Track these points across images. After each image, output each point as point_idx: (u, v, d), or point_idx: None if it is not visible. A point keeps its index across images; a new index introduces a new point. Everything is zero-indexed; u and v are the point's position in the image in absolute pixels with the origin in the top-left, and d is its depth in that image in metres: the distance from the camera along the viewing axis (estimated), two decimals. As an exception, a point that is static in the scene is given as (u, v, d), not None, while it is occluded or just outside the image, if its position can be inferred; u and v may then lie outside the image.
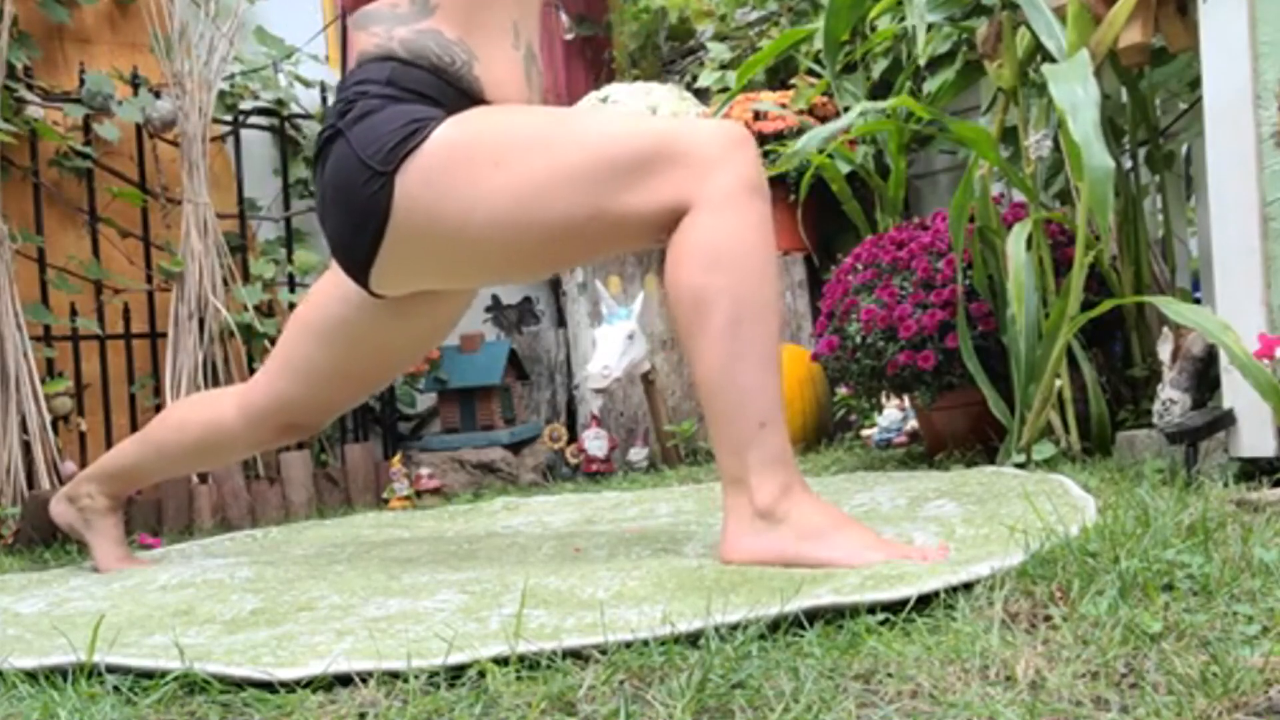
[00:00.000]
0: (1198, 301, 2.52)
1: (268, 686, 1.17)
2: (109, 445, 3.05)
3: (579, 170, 1.68)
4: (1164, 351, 2.10)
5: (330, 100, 3.61)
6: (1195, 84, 2.21)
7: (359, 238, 1.78)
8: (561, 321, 4.01)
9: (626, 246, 1.81)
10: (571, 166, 1.68)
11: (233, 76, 3.43)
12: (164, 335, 3.20)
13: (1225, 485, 1.80)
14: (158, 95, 3.22)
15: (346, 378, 2.07)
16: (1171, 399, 2.04)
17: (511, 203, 1.69)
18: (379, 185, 1.72)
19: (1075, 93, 2.09)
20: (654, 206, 1.65)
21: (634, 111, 3.48)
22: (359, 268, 1.83)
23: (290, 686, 1.16)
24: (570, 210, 1.68)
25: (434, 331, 2.11)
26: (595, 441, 3.42)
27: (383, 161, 1.72)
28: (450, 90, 1.79)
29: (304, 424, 2.13)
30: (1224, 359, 1.92)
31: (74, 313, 3.12)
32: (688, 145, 1.65)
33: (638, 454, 3.46)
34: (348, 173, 1.76)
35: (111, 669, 1.25)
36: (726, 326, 1.60)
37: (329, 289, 2.00)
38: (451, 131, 1.73)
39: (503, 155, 1.71)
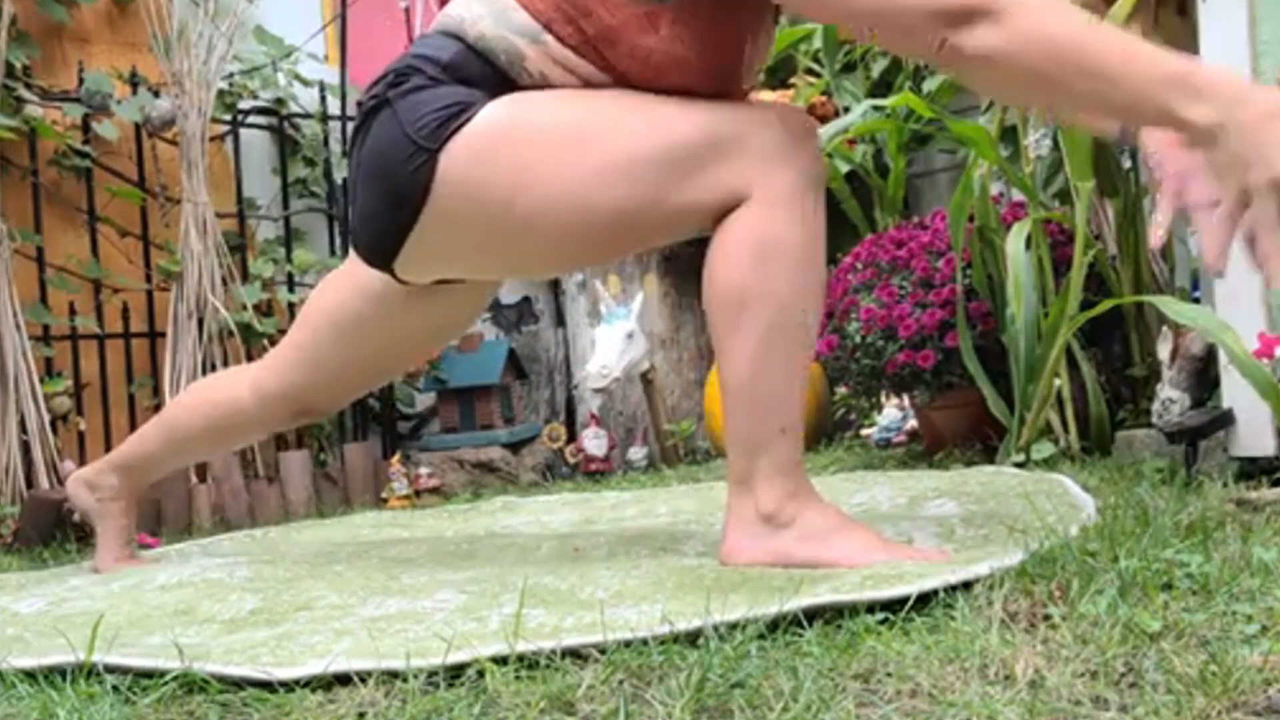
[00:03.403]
0: (1197, 301, 2.52)
1: (267, 686, 1.17)
2: (108, 445, 3.05)
3: (636, 158, 1.60)
4: (1163, 351, 2.10)
5: (330, 100, 3.61)
6: (1194, 83, 2.21)
7: (394, 216, 1.70)
8: (560, 321, 4.01)
9: (675, 238, 1.74)
10: (628, 154, 1.60)
11: (232, 76, 3.43)
12: (163, 335, 3.20)
13: (1224, 485, 1.81)
14: (157, 94, 3.22)
15: (361, 367, 2.04)
16: (1171, 398, 2.04)
17: (560, 189, 1.61)
18: (422, 161, 1.64)
19: None
20: (712, 197, 1.58)
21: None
22: (387, 249, 1.74)
23: (289, 686, 1.16)
24: (624, 200, 1.60)
25: (450, 328, 2.08)
26: (594, 441, 3.42)
27: (429, 137, 1.63)
28: (502, 83, 1.69)
29: (318, 409, 2.12)
30: (1223, 358, 1.92)
31: (73, 312, 3.11)
32: (752, 133, 1.58)
33: (637, 453, 3.46)
34: (390, 147, 1.67)
35: (110, 669, 1.25)
36: (764, 330, 1.56)
37: (346, 279, 1.95)
38: (502, 111, 1.65)
39: (553, 139, 1.63)
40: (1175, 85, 1.31)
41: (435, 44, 1.71)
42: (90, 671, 1.26)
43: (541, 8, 1.63)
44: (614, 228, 1.64)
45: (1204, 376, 2.04)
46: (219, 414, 2.13)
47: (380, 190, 1.71)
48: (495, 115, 1.65)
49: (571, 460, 3.46)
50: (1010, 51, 1.39)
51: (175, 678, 1.20)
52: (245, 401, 2.08)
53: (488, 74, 1.68)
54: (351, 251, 1.90)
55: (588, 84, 1.66)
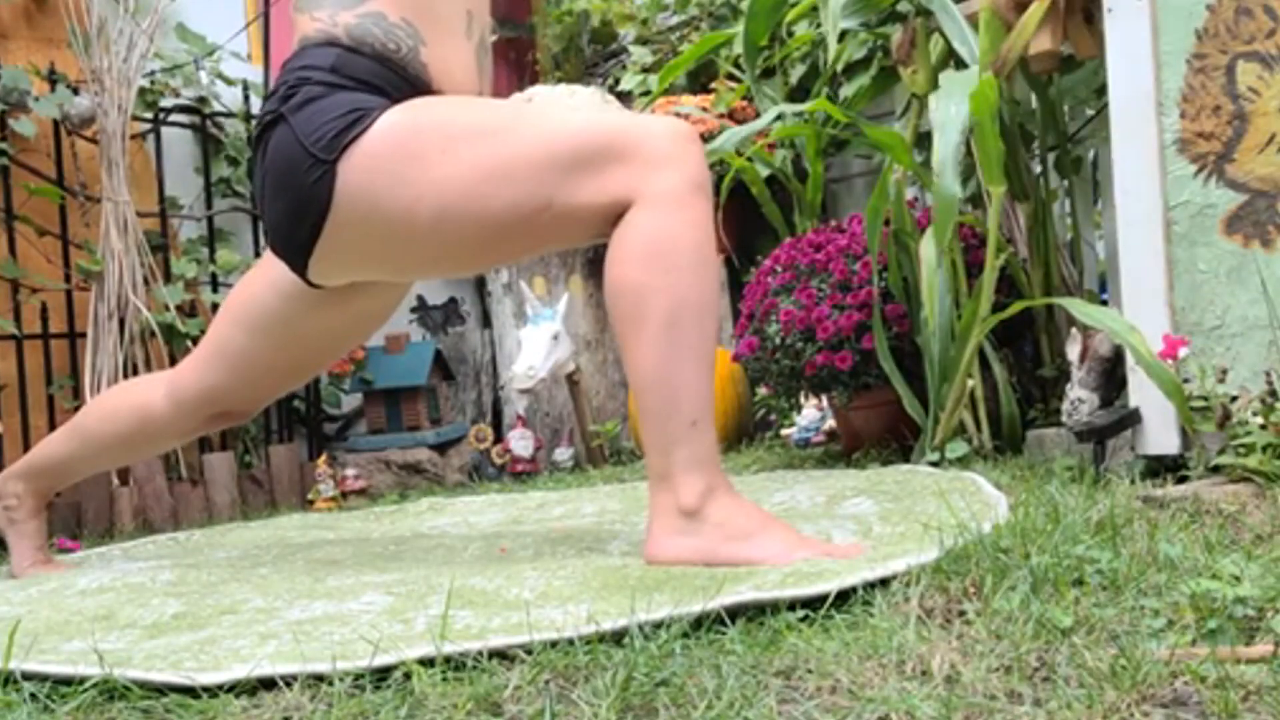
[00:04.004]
0: (1105, 303, 2.58)
1: (190, 692, 1.16)
2: (26, 447, 2.99)
3: (528, 161, 1.66)
4: (1072, 352, 2.15)
5: (253, 98, 3.58)
6: (1102, 91, 2.27)
7: (299, 226, 1.74)
8: (487, 322, 4.00)
9: (570, 241, 1.79)
10: (521, 157, 1.66)
11: (153, 73, 3.38)
12: (83, 335, 3.15)
13: (1132, 482, 1.85)
14: (76, 92, 3.17)
15: (278, 368, 2.04)
16: (1080, 398, 2.09)
17: (458, 193, 1.67)
18: (321, 173, 1.69)
19: (948, 111, 2.14)
20: (601, 200, 1.64)
21: (585, 104, 3.48)
22: (298, 256, 1.79)
23: (213, 691, 1.16)
24: (518, 201, 1.66)
25: (368, 322, 2.09)
26: (520, 442, 3.42)
27: (325, 149, 1.69)
28: (396, 78, 1.76)
29: (235, 412, 2.10)
30: (1130, 359, 1.97)
31: (-11, 313, 3.06)
32: (637, 140, 1.65)
33: (563, 454, 3.47)
34: (289, 159, 1.72)
35: (28, 676, 1.24)
36: (664, 325, 1.60)
37: (261, 278, 1.96)
38: (397, 119, 1.71)
39: (450, 144, 1.69)
40: None
41: (314, 55, 1.77)
42: (7, 679, 1.24)
43: None
44: (508, 229, 1.70)
45: (1112, 377, 2.10)
46: (132, 419, 2.10)
47: (284, 202, 1.75)
48: (391, 121, 1.70)
49: (498, 461, 3.46)
50: None
51: (95, 684, 1.19)
52: (159, 406, 2.06)
53: (373, 66, 1.75)
54: (266, 250, 1.91)
55: (434, 5, 1.78)
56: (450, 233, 1.71)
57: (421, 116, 1.72)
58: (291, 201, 1.74)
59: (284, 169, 1.73)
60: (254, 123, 1.80)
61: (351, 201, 1.70)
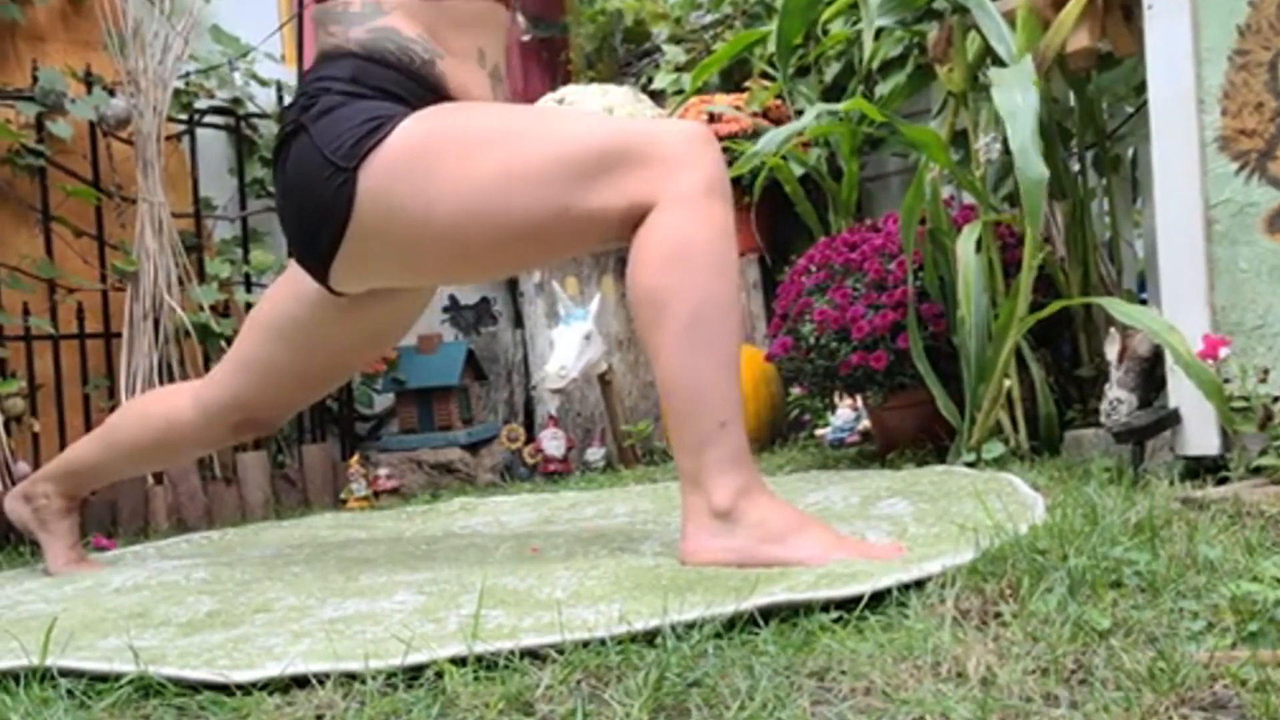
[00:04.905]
0: (1144, 302, 2.56)
1: (223, 689, 1.17)
2: (63, 446, 3.01)
3: (545, 167, 1.67)
4: (1111, 352, 2.13)
5: (287, 99, 3.59)
6: (1141, 88, 2.25)
7: (320, 234, 1.76)
8: (519, 322, 4.00)
9: (589, 247, 1.80)
10: (538, 163, 1.67)
11: (188, 75, 3.40)
12: (119, 335, 3.17)
13: (1171, 483, 1.83)
14: (112, 93, 3.19)
15: (303, 376, 2.06)
16: (1118, 398, 2.07)
17: (476, 199, 1.68)
18: (341, 181, 1.71)
19: (1015, 100, 2.12)
20: (619, 205, 1.65)
21: (599, 111, 3.49)
22: (319, 265, 1.81)
23: (246, 689, 1.16)
24: (535, 207, 1.67)
25: (392, 330, 2.10)
26: (552, 442, 3.42)
27: (345, 157, 1.70)
28: (415, 86, 1.77)
29: (262, 421, 2.12)
30: (1169, 359, 1.95)
31: (27, 312, 3.08)
32: (654, 144, 1.65)
33: (595, 454, 3.47)
34: (310, 169, 1.74)
35: (64, 672, 1.25)
36: (687, 325, 1.60)
37: (286, 288, 1.98)
38: (416, 126, 1.72)
39: (467, 151, 1.70)
40: None
41: (332, 66, 1.79)
42: (44, 675, 1.25)
43: None
44: (526, 235, 1.70)
45: (1151, 377, 2.07)
46: (159, 427, 2.13)
47: (305, 211, 1.77)
48: (409, 129, 1.72)
49: (530, 461, 3.46)
50: None
51: (130, 681, 1.19)
52: (186, 414, 2.08)
53: (391, 76, 1.76)
54: (290, 260, 1.92)
55: (456, 24, 1.79)
56: (468, 238, 1.72)
57: (439, 123, 1.74)
58: (312, 210, 1.76)
59: (304, 179, 1.75)
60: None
61: (371, 208, 1.72)
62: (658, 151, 1.65)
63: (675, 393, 1.63)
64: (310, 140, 1.74)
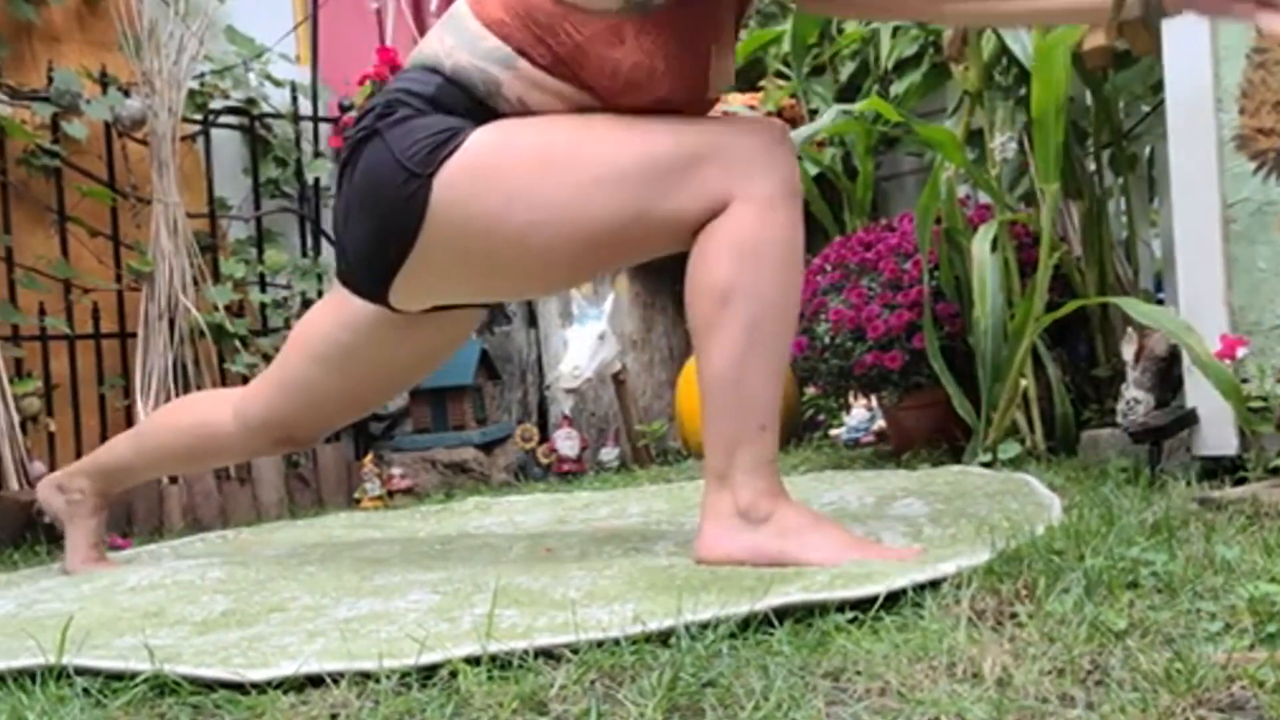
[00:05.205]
0: (1160, 302, 2.55)
1: (238, 688, 1.17)
2: (78, 446, 3.03)
3: (620, 171, 1.65)
4: (1128, 352, 2.12)
5: (301, 100, 3.60)
6: (1158, 87, 2.24)
7: (389, 243, 1.72)
8: (533, 322, 4.00)
9: (657, 251, 1.76)
10: (612, 167, 1.65)
11: (202, 75, 3.41)
12: (134, 335, 3.18)
13: (1188, 484, 1.83)
14: (127, 94, 3.20)
15: (349, 399, 2.04)
16: (1135, 398, 2.06)
17: (551, 206, 1.66)
18: (416, 187, 1.67)
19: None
20: (695, 207, 1.63)
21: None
22: (381, 278, 1.77)
23: (261, 688, 1.16)
24: (610, 213, 1.65)
25: (441, 351, 2.07)
26: (566, 441, 3.42)
27: (422, 164, 1.67)
28: (486, 113, 1.72)
29: (301, 438, 2.10)
30: (1187, 359, 1.94)
31: (43, 312, 3.09)
32: (728, 144, 1.64)
33: (609, 454, 3.46)
34: (383, 175, 1.70)
35: (80, 671, 1.25)
36: (747, 326, 1.60)
37: (330, 313, 1.94)
38: (491, 136, 1.69)
39: (541, 159, 1.67)
40: None
41: (416, 78, 1.75)
42: (60, 674, 1.26)
43: (510, 32, 1.67)
44: (602, 241, 1.68)
45: (1168, 377, 2.07)
46: (199, 435, 2.12)
47: (374, 219, 1.73)
48: (485, 140, 1.68)
49: (544, 461, 3.46)
50: None
51: (146, 680, 1.20)
52: (227, 426, 2.07)
53: (469, 105, 1.72)
54: (336, 283, 1.90)
55: (565, 104, 1.70)
56: (540, 248, 1.69)
57: (513, 133, 1.70)
58: (382, 218, 1.72)
59: (376, 184, 1.71)
60: (342, 141, 1.77)
61: (445, 216, 1.68)
62: (734, 153, 1.63)
63: (721, 390, 1.62)
64: (385, 146, 1.70)
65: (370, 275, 1.79)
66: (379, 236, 1.74)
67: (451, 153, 1.67)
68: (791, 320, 1.66)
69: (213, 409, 2.12)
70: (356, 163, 1.74)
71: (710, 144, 1.64)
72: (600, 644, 1.18)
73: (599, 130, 1.70)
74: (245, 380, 2.89)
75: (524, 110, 1.71)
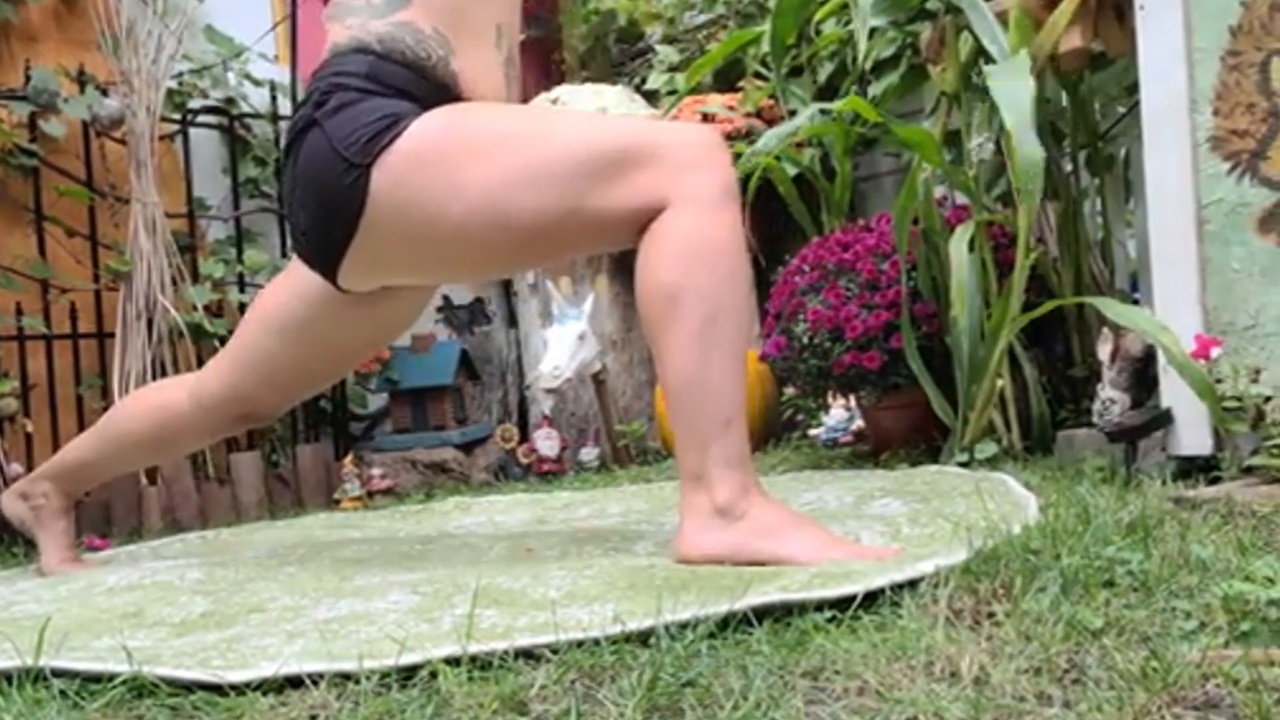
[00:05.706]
0: (1136, 303, 2.56)
1: (217, 689, 1.17)
2: (55, 446, 3.01)
3: (557, 166, 1.68)
4: (1103, 352, 2.13)
5: (280, 100, 3.59)
6: (1134, 89, 2.25)
7: (331, 230, 1.76)
8: (513, 322, 4.00)
9: (599, 246, 1.81)
10: (549, 162, 1.68)
11: (181, 75, 3.40)
12: (112, 335, 3.17)
13: (1163, 483, 1.83)
14: (105, 93, 3.19)
15: (303, 372, 2.07)
16: (1111, 398, 2.08)
17: (488, 197, 1.68)
18: (354, 177, 1.70)
19: (1009, 89, 2.13)
20: (631, 205, 1.65)
21: (612, 103, 3.49)
22: (328, 261, 1.81)
23: (240, 689, 1.16)
24: (547, 206, 1.67)
25: (392, 327, 2.10)
26: (546, 441, 3.42)
27: (359, 153, 1.70)
28: (427, 85, 1.77)
29: (259, 413, 2.12)
30: (1162, 359, 1.95)
31: (20, 312, 3.08)
32: (667, 145, 1.66)
33: (589, 454, 3.47)
34: (322, 164, 1.73)
35: (58, 673, 1.25)
36: (700, 324, 1.61)
37: (287, 284, 1.98)
38: (429, 125, 1.72)
39: (481, 149, 1.70)
40: None
41: (347, 62, 1.78)
42: (37, 676, 1.25)
43: None
44: (536, 234, 1.71)
45: (1143, 377, 2.08)
46: (157, 420, 2.13)
47: (316, 207, 1.76)
48: (423, 128, 1.72)
49: (524, 461, 3.46)
50: None
51: (124, 681, 1.19)
52: (183, 407, 2.08)
53: (405, 74, 1.76)
54: (294, 256, 1.92)
55: (466, 16, 1.78)
56: (478, 237, 1.72)
57: (453, 123, 1.74)
58: (324, 206, 1.75)
59: (317, 174, 1.75)
60: (286, 127, 1.80)
61: (383, 206, 1.72)
62: (670, 154, 1.65)
63: (684, 390, 1.64)
64: (324, 136, 1.73)
65: (318, 257, 1.83)
66: (322, 223, 1.77)
67: (391, 141, 1.70)
68: (743, 315, 1.67)
69: (170, 393, 2.14)
70: (298, 152, 1.78)
71: (649, 144, 1.67)
72: (580, 644, 1.18)
73: (537, 125, 1.76)
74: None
75: (445, 50, 1.77)
